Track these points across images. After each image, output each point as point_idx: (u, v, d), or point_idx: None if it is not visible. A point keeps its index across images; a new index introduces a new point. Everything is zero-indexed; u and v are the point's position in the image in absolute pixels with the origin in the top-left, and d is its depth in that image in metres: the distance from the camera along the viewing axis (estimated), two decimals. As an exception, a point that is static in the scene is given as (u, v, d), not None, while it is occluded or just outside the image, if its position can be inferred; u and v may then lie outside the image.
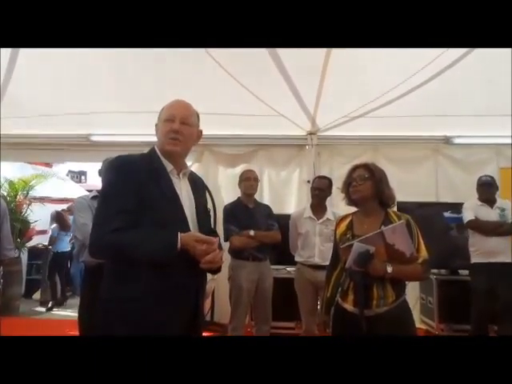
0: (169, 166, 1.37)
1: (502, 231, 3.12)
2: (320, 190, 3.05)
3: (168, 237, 1.24)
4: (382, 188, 1.79)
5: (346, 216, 1.96)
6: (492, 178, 3.32)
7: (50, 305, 5.41)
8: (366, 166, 1.85)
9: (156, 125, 1.44)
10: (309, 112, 3.80)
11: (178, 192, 1.36)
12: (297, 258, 3.13)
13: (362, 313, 1.66)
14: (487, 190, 3.26)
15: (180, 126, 1.35)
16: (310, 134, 4.21)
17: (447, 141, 4.19)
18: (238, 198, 3.19)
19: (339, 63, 2.94)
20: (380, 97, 3.34)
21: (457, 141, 4.17)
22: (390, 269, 1.64)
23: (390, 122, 3.79)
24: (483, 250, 3.08)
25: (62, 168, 8.64)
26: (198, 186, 1.50)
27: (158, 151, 1.40)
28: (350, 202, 1.91)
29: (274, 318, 3.12)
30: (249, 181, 3.10)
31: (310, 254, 3.02)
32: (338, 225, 1.96)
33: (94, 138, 4.27)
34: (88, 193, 2.47)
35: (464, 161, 4.18)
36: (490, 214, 3.20)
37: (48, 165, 7.35)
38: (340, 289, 1.86)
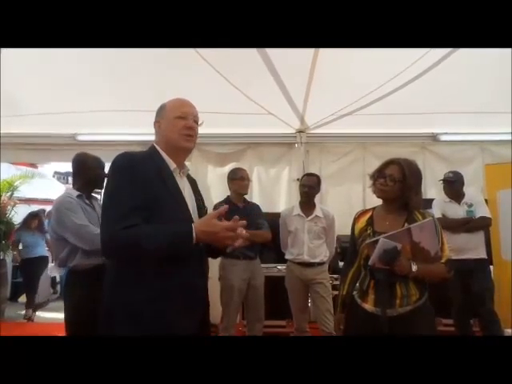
0: (172, 165, 1.37)
1: (469, 227, 3.10)
2: (308, 188, 3.06)
3: (183, 227, 1.23)
4: (410, 195, 1.70)
5: (365, 211, 1.90)
6: (455, 173, 3.29)
7: (31, 314, 5.01)
8: (401, 167, 1.72)
9: (156, 122, 1.41)
10: (298, 110, 3.80)
11: (182, 191, 1.37)
12: (287, 256, 3.13)
13: (384, 312, 1.60)
14: (449, 186, 3.27)
15: (193, 123, 1.38)
16: (299, 132, 4.21)
17: (434, 138, 4.25)
18: (228, 196, 3.17)
19: (327, 61, 2.94)
20: (368, 95, 3.36)
21: (443, 138, 4.22)
22: (414, 267, 1.59)
23: (378, 119, 3.82)
24: (452, 247, 3.03)
25: (48, 169, 8.48)
26: (195, 186, 1.51)
27: (159, 149, 1.38)
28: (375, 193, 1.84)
29: (265, 316, 3.12)
30: (243, 180, 3.08)
31: (299, 252, 3.02)
32: (356, 220, 1.89)
33: (81, 138, 4.19)
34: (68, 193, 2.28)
35: (450, 157, 4.24)
36: (457, 211, 3.19)
37: (33, 165, 7.20)
38: (358, 288, 1.80)
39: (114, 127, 4.01)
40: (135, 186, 1.23)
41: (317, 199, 3.20)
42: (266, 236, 3.04)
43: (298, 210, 3.09)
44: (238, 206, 3.08)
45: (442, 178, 3.40)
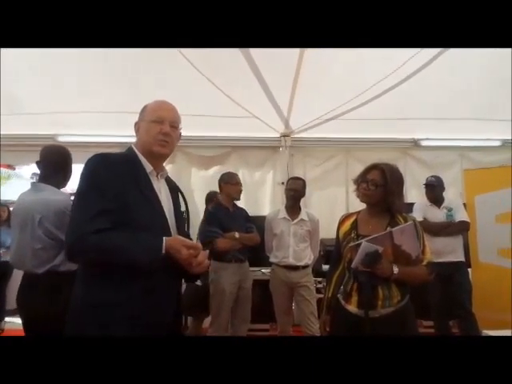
0: (148, 167, 1.34)
1: (449, 231, 3.18)
2: (294, 191, 3.08)
3: (153, 241, 1.21)
4: (392, 199, 1.73)
5: (349, 215, 1.93)
6: (437, 178, 3.35)
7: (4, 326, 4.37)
8: (382, 172, 1.75)
9: (136, 123, 1.39)
10: (282, 114, 3.83)
11: (158, 194, 1.34)
12: (272, 259, 3.14)
13: (367, 314, 1.63)
14: (430, 190, 3.32)
15: (169, 128, 1.34)
16: (284, 135, 4.24)
17: (415, 143, 4.35)
18: (218, 200, 3.15)
19: (312, 66, 2.98)
20: (351, 100, 3.41)
21: (424, 143, 4.33)
22: (396, 270, 1.62)
23: (361, 124, 3.89)
24: (432, 250, 3.03)
25: (27, 170, 8.24)
26: (173, 189, 1.49)
27: (136, 151, 1.35)
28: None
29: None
30: (238, 185, 3.10)
31: (284, 255, 3.03)
32: (341, 223, 1.91)
33: (61, 139, 4.09)
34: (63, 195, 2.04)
35: (431, 162, 4.36)
36: (437, 215, 3.26)
37: (11, 167, 6.98)
38: (342, 290, 1.82)
39: (96, 129, 3.94)
40: (108, 188, 1.20)
41: (301, 203, 3.22)
42: (256, 239, 3.08)
43: (283, 214, 3.10)
44: (229, 209, 3.09)
45: (422, 182, 3.47)
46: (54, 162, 2.01)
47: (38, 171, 2.05)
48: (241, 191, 3.13)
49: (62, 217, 1.87)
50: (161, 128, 1.32)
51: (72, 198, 2.03)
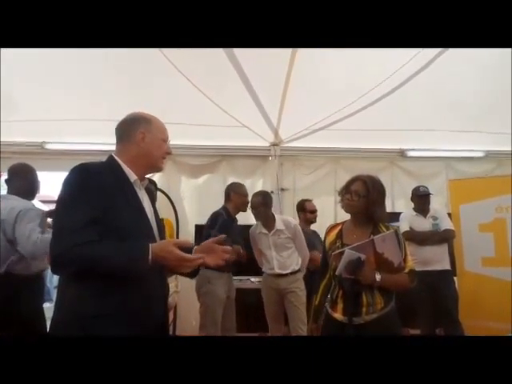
0: (132, 177, 1.34)
1: (435, 240, 3.23)
2: (255, 208, 3.07)
3: (139, 248, 1.19)
4: (374, 209, 1.81)
5: (335, 225, 2.00)
6: (427, 188, 3.41)
7: None
8: (365, 183, 1.85)
9: (142, 133, 1.34)
10: (272, 124, 3.87)
11: (142, 203, 1.35)
12: (263, 269, 3.18)
13: (350, 320, 1.67)
14: (425, 200, 3.36)
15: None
16: (274, 145, 4.28)
17: (402, 154, 4.43)
18: (226, 208, 3.08)
19: (302, 77, 3.03)
20: (340, 110, 3.47)
21: (410, 154, 4.42)
22: (378, 277, 1.67)
23: (349, 135, 3.95)
24: (419, 259, 3.01)
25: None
26: (152, 196, 1.50)
27: (119, 160, 1.34)
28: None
29: (237, 328, 3.11)
30: (246, 197, 3.11)
31: (270, 266, 3.08)
32: (327, 234, 1.98)
33: (49, 146, 4.06)
34: (32, 203, 2.37)
35: (417, 173, 4.43)
36: (423, 224, 3.31)
37: (-3, 174, 6.86)
38: (329, 298, 1.88)
39: (84, 136, 3.91)
40: (94, 198, 1.19)
41: (290, 211, 3.24)
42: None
43: (260, 228, 3.11)
44: (234, 220, 3.10)
45: (409, 191, 3.53)
46: (19, 179, 2.37)
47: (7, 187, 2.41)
48: (248, 203, 3.10)
49: (22, 218, 2.19)
50: (167, 147, 1.42)
51: (34, 205, 2.35)
